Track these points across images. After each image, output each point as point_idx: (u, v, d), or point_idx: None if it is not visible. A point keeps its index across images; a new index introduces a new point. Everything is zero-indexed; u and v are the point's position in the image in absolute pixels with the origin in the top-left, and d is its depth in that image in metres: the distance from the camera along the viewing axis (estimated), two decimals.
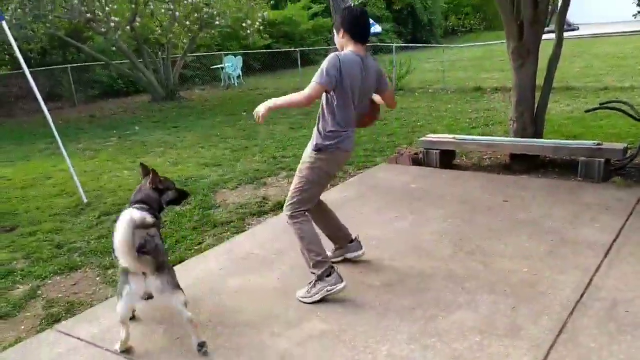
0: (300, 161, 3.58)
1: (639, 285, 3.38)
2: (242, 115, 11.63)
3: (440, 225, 4.63)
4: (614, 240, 4.04)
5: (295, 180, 3.55)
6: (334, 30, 3.56)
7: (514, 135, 6.32)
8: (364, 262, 3.97)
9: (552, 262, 3.81)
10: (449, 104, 11.40)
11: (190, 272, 4.05)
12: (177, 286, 2.94)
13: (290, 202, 3.53)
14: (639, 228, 4.26)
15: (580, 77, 12.57)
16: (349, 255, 3.97)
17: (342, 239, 3.95)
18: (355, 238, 3.98)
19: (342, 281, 3.43)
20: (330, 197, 5.37)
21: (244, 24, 15.98)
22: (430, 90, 13.47)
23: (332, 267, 3.46)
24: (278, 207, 5.42)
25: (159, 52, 16.22)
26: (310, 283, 3.47)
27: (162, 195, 3.36)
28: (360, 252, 3.96)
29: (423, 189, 5.65)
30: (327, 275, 3.41)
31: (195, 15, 14.76)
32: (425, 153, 6.51)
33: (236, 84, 17.72)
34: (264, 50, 19.69)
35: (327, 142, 3.46)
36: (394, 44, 15.95)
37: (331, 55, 3.38)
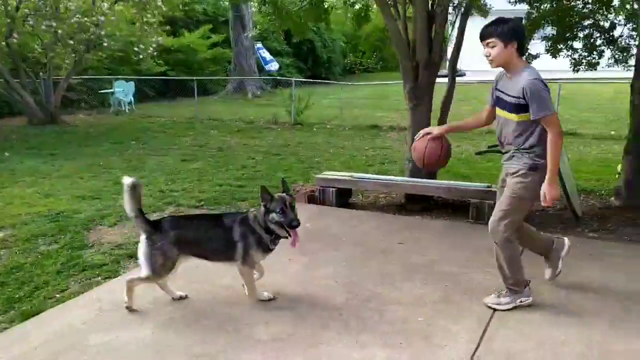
0: (503, 185, 3.64)
1: (531, 335, 3.32)
2: (131, 144, 10.87)
3: (335, 269, 4.39)
4: None
5: (510, 202, 3.53)
6: (497, 41, 3.39)
7: (409, 175, 6.32)
8: (255, 312, 3.62)
9: (447, 310, 3.69)
10: (347, 141, 11.45)
11: (46, 326, 3.46)
12: None
13: (500, 222, 3.54)
14: (528, 273, 4.27)
15: None
16: (563, 254, 3.98)
17: (547, 249, 4.00)
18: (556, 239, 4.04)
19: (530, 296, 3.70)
20: None
21: (136, 49, 15.22)
22: (328, 126, 13.52)
23: (528, 281, 3.72)
24: None
25: (40, 73, 14.96)
26: (501, 293, 3.71)
27: None
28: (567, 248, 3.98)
29: (318, 229, 5.41)
30: (521, 291, 3.68)
31: (83, 35, 13.81)
32: (321, 191, 6.31)
33: (127, 110, 16.77)
34: (159, 77, 18.93)
35: (541, 161, 3.45)
36: (294, 79, 15.95)
37: (536, 80, 3.35)
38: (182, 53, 20.70)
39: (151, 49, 15.42)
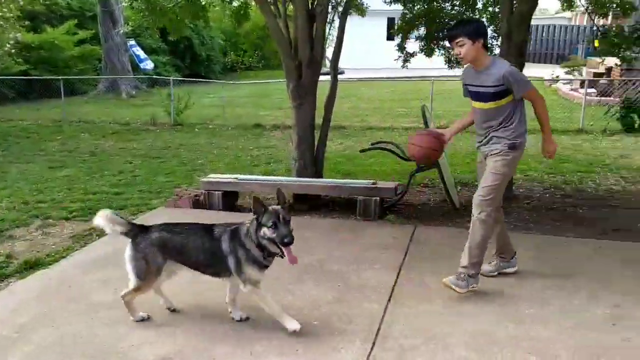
0: (482, 167, 3.94)
1: (422, 330, 3.39)
2: None
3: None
4: (395, 282, 4.08)
5: (492, 179, 3.78)
6: (465, 40, 3.68)
7: (296, 174, 6.27)
8: (139, 332, 3.34)
9: (341, 310, 3.68)
10: (230, 141, 11.19)
11: None
12: None
13: (485, 200, 3.78)
14: (415, 267, 4.40)
15: (349, 117, 13.50)
16: (508, 270, 4.20)
17: (509, 252, 4.21)
18: (515, 253, 4.24)
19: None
20: (80, 257, 4.60)
21: None
22: (210, 126, 13.14)
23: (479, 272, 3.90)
24: (26, 267, 4.43)
25: None
26: (460, 276, 3.81)
27: None
28: (516, 269, 4.23)
29: None
30: (475, 276, 3.84)
31: None
32: (207, 195, 6.07)
33: None
34: (20, 77, 17.24)
35: (520, 140, 3.81)
36: (172, 77, 15.31)
37: (512, 67, 3.75)
38: (45, 50, 18.94)
39: (8, 45, 13.99)
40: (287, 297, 3.86)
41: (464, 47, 3.68)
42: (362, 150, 6.69)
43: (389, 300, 3.81)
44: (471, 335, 3.34)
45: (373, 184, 5.87)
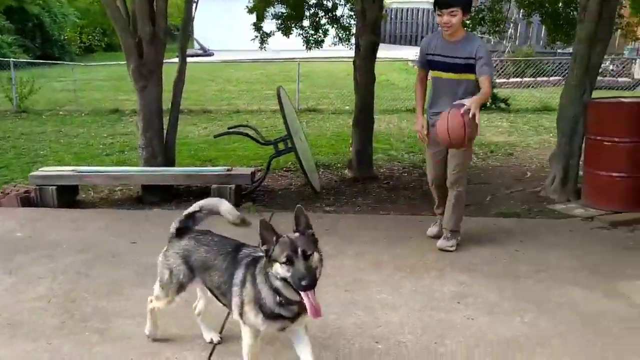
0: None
1: None
2: None
3: (49, 286, 3.68)
4: None
5: (463, 154, 4.11)
6: (459, 11, 3.86)
7: (144, 164, 5.75)
8: None
9: (181, 313, 3.30)
10: (82, 128, 10.23)
11: None
12: None
13: (460, 173, 4.20)
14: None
15: (215, 100, 12.96)
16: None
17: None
18: None
19: None
20: None
21: None
22: (61, 113, 11.94)
23: None
24: None
25: None
26: (448, 238, 4.27)
27: None
28: None
29: (32, 237, 4.55)
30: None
31: None
32: (39, 191, 5.35)
33: None
34: None
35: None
36: (12, 59, 13.68)
37: (482, 42, 4.11)
38: None
39: None
40: (122, 303, 3.46)
41: (456, 18, 3.88)
42: (217, 136, 6.33)
43: None
44: (319, 328, 3.16)
45: (228, 170, 5.55)
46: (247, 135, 6.09)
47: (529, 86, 13.90)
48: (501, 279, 3.79)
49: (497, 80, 13.13)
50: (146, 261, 4.06)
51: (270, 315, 2.39)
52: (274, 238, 2.31)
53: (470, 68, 3.98)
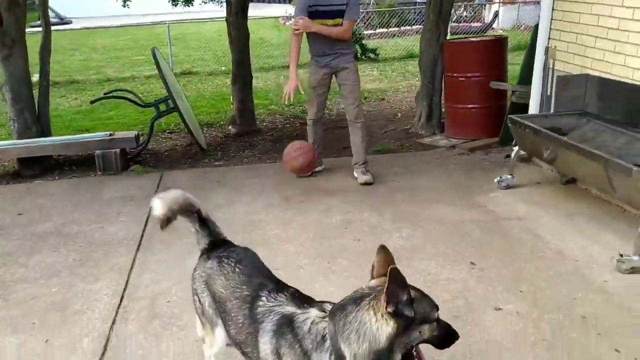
0: (344, 78, 4.60)
1: (172, 273, 3.32)
2: None
3: None
4: (143, 232, 3.92)
5: (357, 88, 4.67)
6: None
7: (17, 137, 5.49)
8: None
9: (85, 271, 3.41)
10: None
11: None
12: None
13: (359, 105, 4.73)
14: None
15: (82, 70, 12.26)
16: (319, 168, 5.09)
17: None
18: None
19: None
20: None
21: None
22: None
23: None
24: None
25: None
26: (368, 171, 4.71)
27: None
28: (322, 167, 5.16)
29: None
30: None
31: None
32: None
33: None
34: None
35: (354, 51, 4.79)
36: None
37: None
38: None
39: None
40: (20, 271, 3.44)
41: None
42: (93, 101, 6.16)
43: (137, 250, 3.65)
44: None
45: (110, 134, 5.47)
46: (125, 98, 6.00)
47: (394, 36, 14.63)
48: (381, 205, 4.24)
49: (365, 32, 13.71)
50: (37, 230, 4.04)
51: None
52: (420, 296, 1.60)
53: (343, 13, 4.43)
